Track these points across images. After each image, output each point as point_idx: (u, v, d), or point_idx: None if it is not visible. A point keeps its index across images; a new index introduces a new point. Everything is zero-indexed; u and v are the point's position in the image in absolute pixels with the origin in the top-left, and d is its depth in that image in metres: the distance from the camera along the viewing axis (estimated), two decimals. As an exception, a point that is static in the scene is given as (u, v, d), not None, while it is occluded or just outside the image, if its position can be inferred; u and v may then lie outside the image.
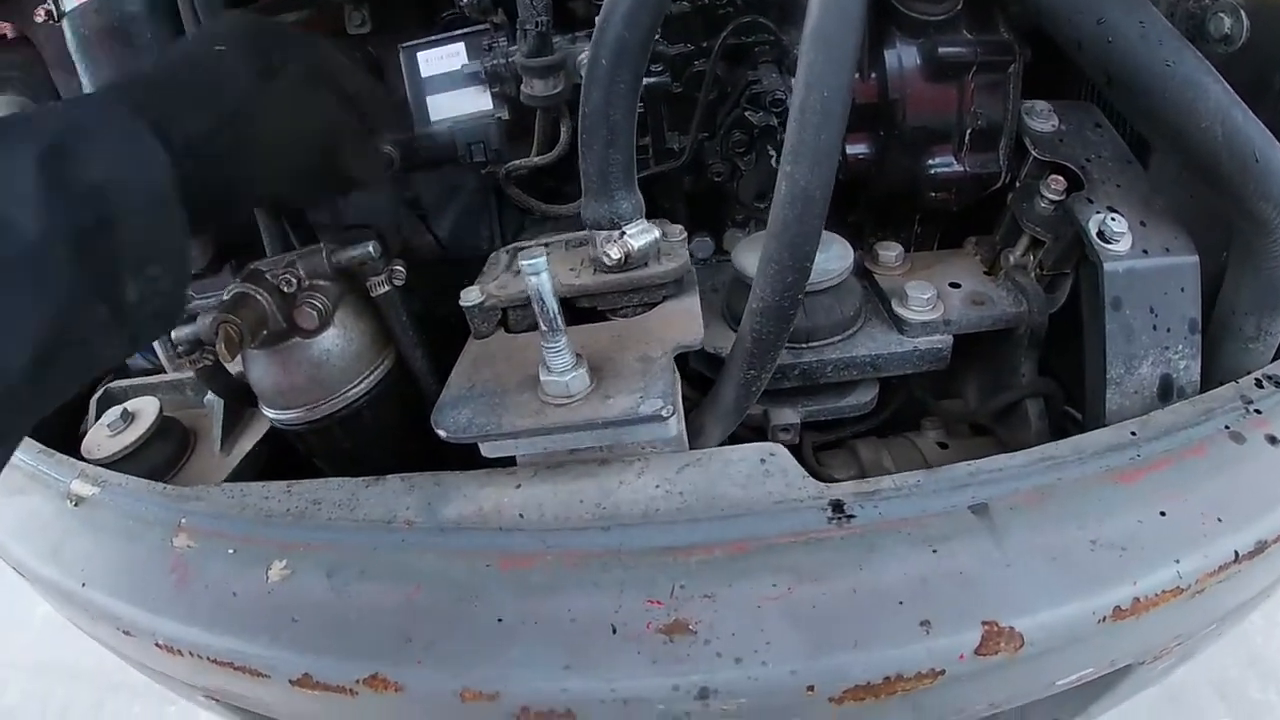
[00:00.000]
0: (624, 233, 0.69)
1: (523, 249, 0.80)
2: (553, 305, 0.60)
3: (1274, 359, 0.84)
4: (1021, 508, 0.66)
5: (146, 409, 0.89)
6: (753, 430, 0.84)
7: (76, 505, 0.82)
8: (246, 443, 0.92)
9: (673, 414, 0.60)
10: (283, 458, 0.92)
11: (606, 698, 0.58)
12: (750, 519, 0.64)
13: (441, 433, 0.64)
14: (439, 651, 0.61)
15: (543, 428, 0.62)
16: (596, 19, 0.65)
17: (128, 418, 0.87)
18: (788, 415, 0.82)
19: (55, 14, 0.80)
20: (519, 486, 0.68)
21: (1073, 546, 0.64)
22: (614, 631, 0.59)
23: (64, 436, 0.97)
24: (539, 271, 0.58)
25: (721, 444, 0.75)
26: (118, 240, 0.44)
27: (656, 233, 0.70)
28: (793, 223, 0.62)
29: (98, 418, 0.91)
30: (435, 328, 0.91)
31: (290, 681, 0.65)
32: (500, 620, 0.62)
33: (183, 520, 0.77)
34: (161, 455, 0.90)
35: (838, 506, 0.64)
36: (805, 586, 0.60)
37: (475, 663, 0.60)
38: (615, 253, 0.68)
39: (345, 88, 0.65)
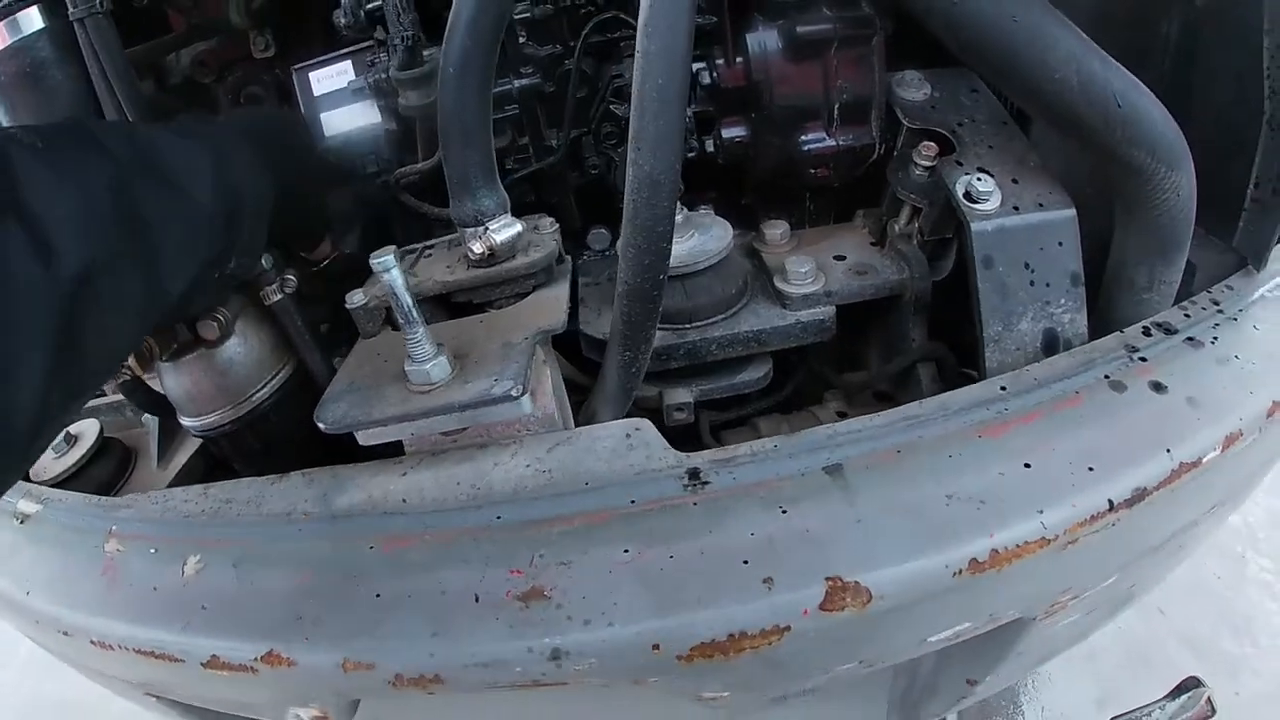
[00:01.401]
0: (487, 228, 0.72)
1: (410, 251, 0.84)
2: (406, 300, 0.64)
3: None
4: (878, 466, 0.67)
5: (88, 430, 0.96)
6: (649, 412, 0.86)
7: (23, 522, 0.88)
8: (182, 457, 0.98)
9: (523, 393, 0.64)
10: (219, 468, 0.98)
11: (469, 662, 0.61)
12: (611, 490, 0.67)
13: (321, 425, 0.68)
14: (325, 628, 0.66)
15: (406, 414, 0.66)
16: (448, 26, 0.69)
17: (70, 440, 0.93)
18: (681, 395, 0.85)
19: (-28, 62, 0.87)
20: (405, 474, 0.72)
21: (927, 502, 0.65)
22: (476, 601, 0.63)
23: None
24: (389, 269, 0.62)
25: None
26: (238, 230, 0.65)
27: (519, 226, 0.73)
28: (643, 208, 0.65)
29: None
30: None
31: (201, 664, 0.70)
32: (378, 596, 0.66)
33: (113, 527, 0.83)
34: (104, 473, 0.96)
35: (694, 474, 0.67)
36: (655, 550, 0.62)
37: (355, 636, 0.64)
38: (478, 248, 0.72)
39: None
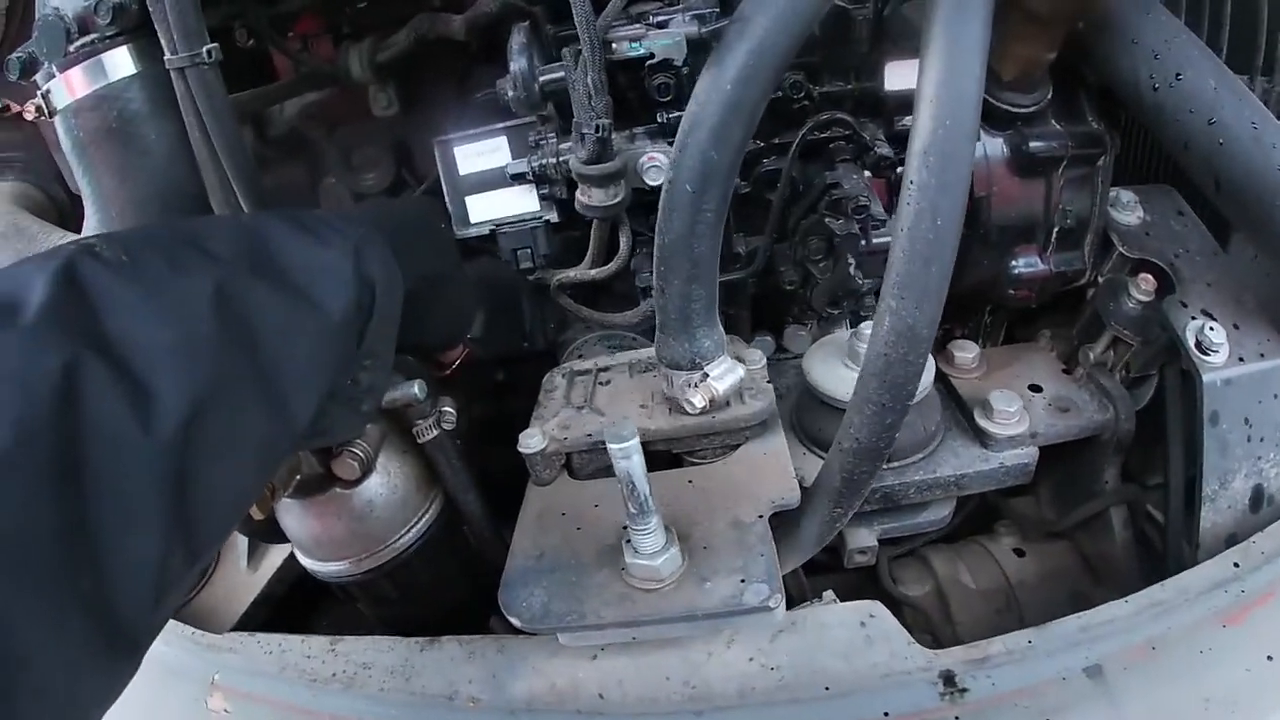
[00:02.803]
0: (706, 375, 0.62)
1: (580, 373, 0.73)
2: (644, 489, 0.53)
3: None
4: (1135, 666, 0.62)
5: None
6: (828, 552, 0.78)
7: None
8: (276, 556, 0.85)
9: (780, 602, 0.55)
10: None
11: None
12: (858, 698, 0.59)
13: (515, 621, 0.58)
14: None
15: (633, 620, 0.56)
16: (679, 129, 0.58)
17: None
18: (864, 538, 0.77)
19: (46, 110, 0.70)
20: (595, 657, 0.63)
21: (1186, 706, 0.61)
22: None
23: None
24: (630, 456, 0.52)
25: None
26: (369, 332, 0.54)
27: (741, 371, 0.63)
28: (896, 363, 0.56)
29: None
30: (473, 433, 0.84)
31: None
32: (593, 830, 0.57)
33: (216, 676, 0.71)
34: (181, 571, 0.83)
35: (949, 679, 0.60)
36: (925, 782, 0.56)
37: None
38: (699, 400, 0.62)
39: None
